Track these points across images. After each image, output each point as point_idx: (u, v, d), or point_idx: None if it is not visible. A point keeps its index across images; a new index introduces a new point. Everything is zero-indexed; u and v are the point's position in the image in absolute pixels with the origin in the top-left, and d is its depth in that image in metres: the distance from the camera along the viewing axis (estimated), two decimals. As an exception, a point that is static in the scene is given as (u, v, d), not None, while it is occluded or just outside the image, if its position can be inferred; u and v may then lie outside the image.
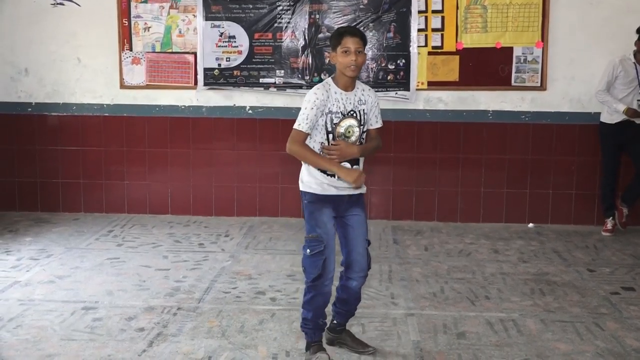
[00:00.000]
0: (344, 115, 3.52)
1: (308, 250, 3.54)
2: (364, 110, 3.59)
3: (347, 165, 3.53)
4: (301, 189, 3.63)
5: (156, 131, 6.84)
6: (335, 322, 3.84)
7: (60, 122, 6.89)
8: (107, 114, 6.86)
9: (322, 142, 3.53)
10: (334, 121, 3.51)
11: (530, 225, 6.65)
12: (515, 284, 4.94)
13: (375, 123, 3.68)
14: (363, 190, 3.64)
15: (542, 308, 4.47)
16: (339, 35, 3.52)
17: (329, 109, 3.50)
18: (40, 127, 6.90)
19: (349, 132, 3.54)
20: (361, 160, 3.63)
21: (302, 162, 3.60)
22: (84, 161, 6.91)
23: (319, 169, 3.53)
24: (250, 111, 6.77)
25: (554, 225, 6.64)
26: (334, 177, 3.52)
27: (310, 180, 3.58)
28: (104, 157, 6.90)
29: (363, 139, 3.62)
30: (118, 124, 6.86)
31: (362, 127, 3.58)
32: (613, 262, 5.54)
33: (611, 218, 6.37)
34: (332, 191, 3.56)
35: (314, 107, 3.47)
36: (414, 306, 4.44)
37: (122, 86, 6.80)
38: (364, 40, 3.53)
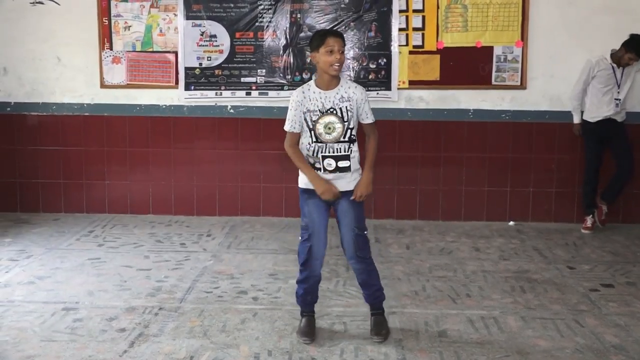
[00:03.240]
0: (322, 113, 3.77)
1: (300, 237, 3.93)
2: (346, 107, 3.79)
3: (327, 175, 3.82)
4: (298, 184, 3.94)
5: (137, 131, 6.81)
6: (369, 305, 4.13)
7: (40, 122, 6.84)
8: (87, 114, 6.81)
9: (309, 142, 3.80)
10: (313, 119, 3.77)
11: (511, 223, 6.70)
12: (496, 282, 4.97)
13: (366, 118, 3.88)
14: (350, 187, 3.85)
15: (523, 305, 4.50)
16: (322, 36, 3.76)
17: (307, 108, 3.78)
18: (19, 127, 6.84)
19: (329, 128, 3.78)
20: (353, 159, 3.84)
21: None
22: (64, 161, 6.86)
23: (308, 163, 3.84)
24: (231, 110, 6.75)
25: (534, 223, 6.69)
26: (319, 171, 3.81)
27: (301, 175, 3.89)
28: (84, 157, 6.85)
29: (353, 134, 3.82)
30: (98, 124, 6.81)
31: (346, 122, 3.78)
32: (592, 259, 5.59)
33: (591, 216, 6.43)
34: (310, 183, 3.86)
35: (291, 108, 3.82)
36: (396, 304, 4.46)
37: (103, 85, 6.76)
38: (344, 41, 3.79)
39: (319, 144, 3.80)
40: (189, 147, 6.81)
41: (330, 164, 3.81)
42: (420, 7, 6.54)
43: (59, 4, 6.69)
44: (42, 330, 4.01)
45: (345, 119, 3.79)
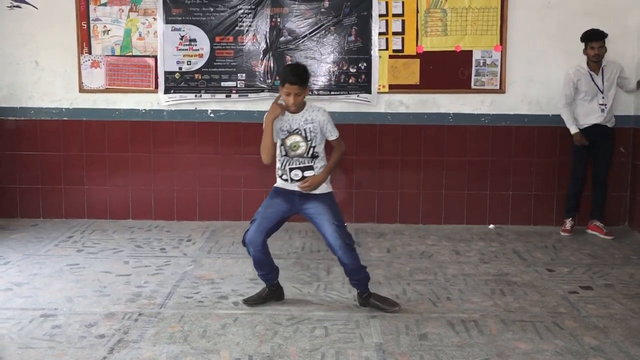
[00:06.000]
0: (289, 133, 4.30)
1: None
2: (310, 128, 4.30)
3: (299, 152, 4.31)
4: None
5: (116, 135, 6.77)
6: (358, 291, 4.50)
7: (18, 127, 6.78)
8: (66, 118, 6.76)
9: (280, 154, 4.36)
10: (281, 137, 4.32)
11: (491, 226, 6.74)
12: (476, 285, 5.00)
13: (331, 136, 4.37)
14: (316, 191, 4.31)
15: (503, 308, 4.53)
16: (283, 79, 4.24)
17: (279, 127, 4.31)
18: (-4, 132, 6.79)
19: (295, 146, 4.30)
20: (317, 168, 4.34)
21: None
22: (42, 166, 6.80)
23: (278, 177, 4.40)
24: (211, 115, 6.73)
25: (514, 226, 6.74)
26: (287, 182, 4.35)
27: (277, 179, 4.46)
28: (63, 162, 6.80)
29: (315, 151, 4.32)
30: (77, 128, 6.76)
31: (309, 141, 4.29)
32: (571, 261, 5.63)
33: (570, 219, 6.48)
34: (286, 186, 4.36)
35: (267, 123, 4.31)
36: (377, 308, 4.46)
37: (82, 90, 6.71)
38: (303, 84, 4.23)
39: (287, 158, 4.33)
40: (169, 152, 6.78)
41: (297, 174, 4.32)
42: (400, 12, 6.57)
43: (36, 8, 6.64)
44: (19, 337, 3.97)
45: (309, 139, 4.30)
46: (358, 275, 4.41)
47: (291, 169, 4.33)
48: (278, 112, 4.26)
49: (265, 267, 4.46)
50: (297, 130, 4.29)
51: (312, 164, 4.32)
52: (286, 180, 4.35)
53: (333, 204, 4.37)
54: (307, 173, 4.31)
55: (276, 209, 4.35)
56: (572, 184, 6.48)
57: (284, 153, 4.33)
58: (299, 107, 4.30)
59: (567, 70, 6.31)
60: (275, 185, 4.44)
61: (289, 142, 4.29)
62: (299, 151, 4.30)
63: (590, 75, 6.23)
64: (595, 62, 6.19)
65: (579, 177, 6.42)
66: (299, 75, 4.26)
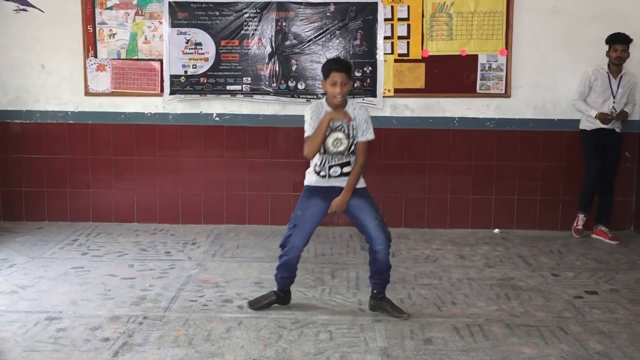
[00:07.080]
0: (332, 129, 4.22)
1: (288, 224, 4.31)
2: (352, 125, 4.26)
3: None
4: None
5: (122, 139, 6.78)
6: (375, 291, 4.46)
7: (24, 130, 6.79)
8: (71, 121, 6.77)
9: (319, 153, 4.26)
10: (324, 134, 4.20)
11: (496, 230, 6.72)
12: (481, 289, 4.99)
13: (361, 136, 4.30)
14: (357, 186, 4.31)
15: (508, 313, 4.52)
16: (328, 69, 4.20)
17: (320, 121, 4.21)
18: (2, 135, 6.79)
19: (337, 143, 4.25)
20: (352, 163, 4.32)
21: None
22: (47, 169, 6.82)
23: (315, 173, 4.32)
24: (217, 118, 6.74)
25: (519, 231, 6.72)
26: (325, 178, 4.29)
27: (308, 177, 4.39)
28: (68, 165, 6.81)
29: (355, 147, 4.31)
30: (83, 132, 6.78)
31: (350, 139, 4.27)
32: (577, 266, 5.62)
33: (583, 215, 6.44)
34: (322, 183, 4.30)
35: (312, 116, 4.24)
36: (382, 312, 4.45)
37: (87, 93, 6.73)
38: (349, 73, 4.21)
39: (327, 155, 4.27)
40: (174, 155, 6.79)
41: (336, 170, 4.29)
42: (406, 16, 6.57)
43: (43, 12, 6.66)
44: (24, 340, 3.97)
45: (351, 136, 4.26)
46: (384, 275, 4.39)
47: (330, 167, 4.28)
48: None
49: (292, 270, 4.40)
50: (340, 127, 4.25)
51: (349, 159, 4.29)
52: (324, 176, 4.30)
53: (371, 199, 4.37)
54: (346, 169, 4.28)
55: (316, 210, 4.29)
56: (586, 181, 6.38)
57: (322, 151, 4.26)
58: (343, 102, 4.24)
59: (586, 68, 6.32)
60: (308, 184, 4.38)
61: (331, 139, 4.23)
62: (341, 148, 4.25)
63: (609, 76, 6.23)
64: (616, 65, 6.21)
65: (593, 173, 6.32)
66: (343, 63, 4.27)
